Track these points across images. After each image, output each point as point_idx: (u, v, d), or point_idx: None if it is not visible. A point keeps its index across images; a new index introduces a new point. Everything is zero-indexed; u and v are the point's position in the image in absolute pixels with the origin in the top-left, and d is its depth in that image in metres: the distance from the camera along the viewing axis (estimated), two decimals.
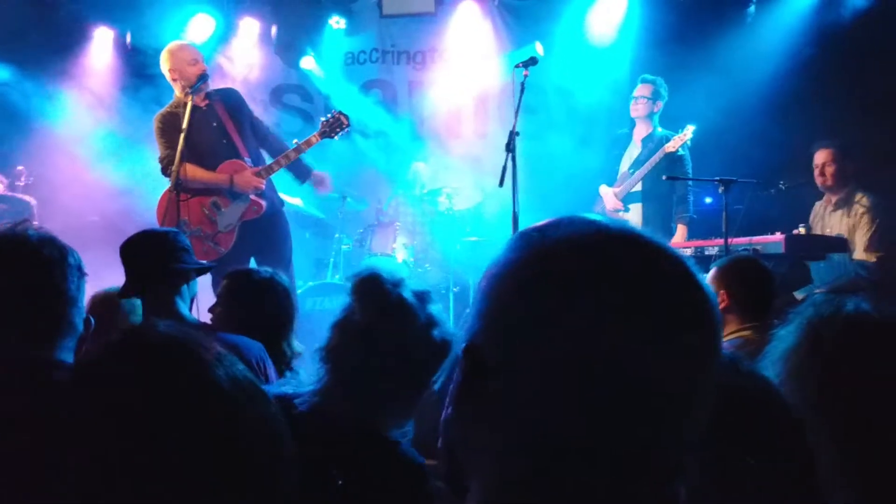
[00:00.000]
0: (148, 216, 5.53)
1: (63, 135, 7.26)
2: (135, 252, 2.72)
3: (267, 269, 2.93)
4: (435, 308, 1.72)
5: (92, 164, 7.13)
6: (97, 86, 7.50)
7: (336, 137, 5.07)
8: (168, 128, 5.02)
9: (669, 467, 0.70)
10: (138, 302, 2.77)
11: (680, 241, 5.54)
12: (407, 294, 1.68)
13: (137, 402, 0.90)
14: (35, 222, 6.90)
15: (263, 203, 5.06)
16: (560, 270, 0.70)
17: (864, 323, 1.24)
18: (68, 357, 1.65)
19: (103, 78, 7.55)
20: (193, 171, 4.86)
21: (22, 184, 7.09)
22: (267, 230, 5.11)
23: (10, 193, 6.96)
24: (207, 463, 0.90)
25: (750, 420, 0.98)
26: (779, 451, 0.96)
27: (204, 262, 3.04)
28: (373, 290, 1.67)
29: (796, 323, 1.28)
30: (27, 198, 7.03)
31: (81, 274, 1.72)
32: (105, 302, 2.95)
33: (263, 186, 5.02)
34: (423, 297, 1.72)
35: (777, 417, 1.02)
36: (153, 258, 2.69)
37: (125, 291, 2.68)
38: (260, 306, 2.77)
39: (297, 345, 2.83)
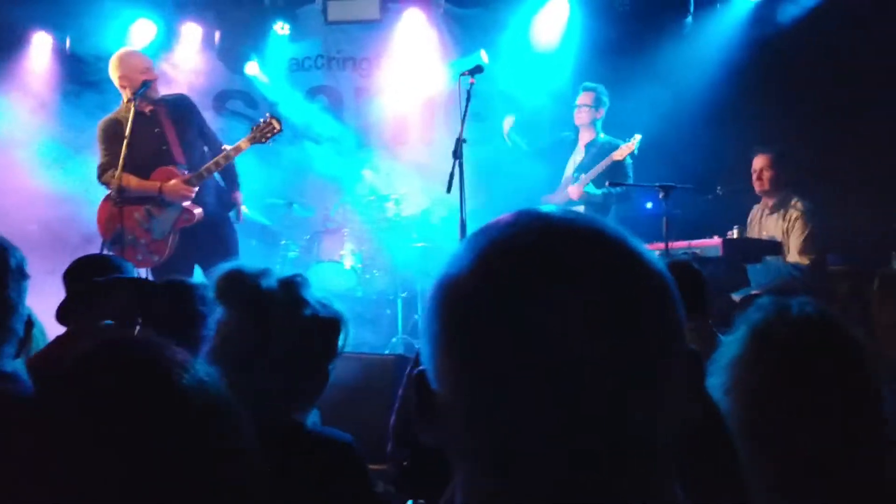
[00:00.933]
0: (90, 225, 5.43)
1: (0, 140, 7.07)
2: None
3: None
4: (308, 292, 1.75)
5: (31, 171, 6.95)
6: (36, 91, 7.33)
7: (268, 142, 5.02)
8: (109, 135, 4.98)
9: (647, 464, 0.68)
10: None
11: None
12: (270, 283, 1.70)
13: (110, 410, 0.91)
14: None
15: (197, 211, 5.00)
16: (497, 276, 0.67)
17: (809, 324, 1.30)
18: (7, 364, 1.61)
19: (42, 83, 7.38)
20: (128, 180, 4.83)
21: None
22: (210, 238, 5.05)
23: None
24: (177, 467, 0.91)
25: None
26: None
27: None
28: (234, 287, 1.69)
29: (743, 329, 1.32)
30: None
31: (23, 276, 1.67)
32: None
33: (192, 194, 4.96)
34: (289, 283, 1.74)
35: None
36: None
37: None
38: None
39: None
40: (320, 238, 6.63)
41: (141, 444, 0.90)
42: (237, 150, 4.95)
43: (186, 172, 4.99)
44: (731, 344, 1.33)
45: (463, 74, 5.05)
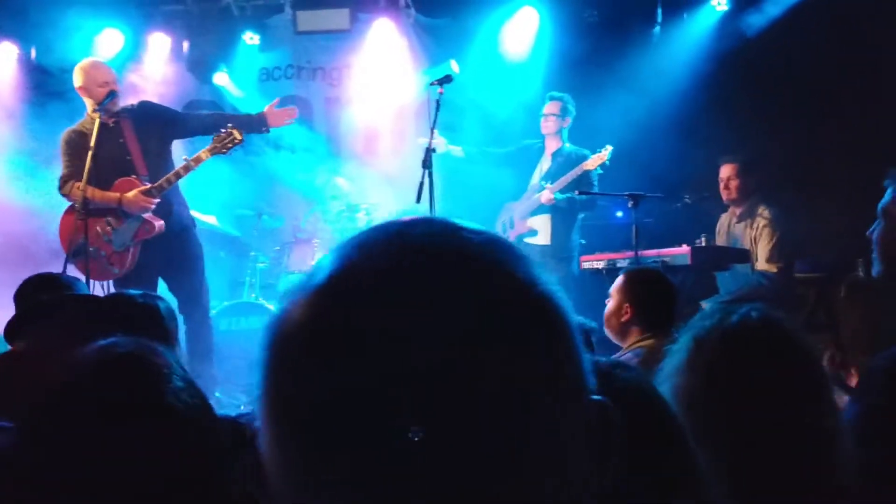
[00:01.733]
0: (56, 238, 5.35)
1: None
2: None
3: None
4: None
5: None
6: (1, 102, 7.22)
7: (227, 153, 4.95)
8: (72, 147, 4.93)
9: None
10: None
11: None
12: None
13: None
14: None
15: (157, 224, 4.94)
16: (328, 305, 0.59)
17: (743, 331, 1.30)
18: None
19: (7, 94, 7.27)
20: (92, 192, 4.78)
21: None
22: (174, 249, 5.00)
23: None
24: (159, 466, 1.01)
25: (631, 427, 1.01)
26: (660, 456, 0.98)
27: None
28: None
29: (685, 336, 1.32)
30: None
31: None
32: None
33: (151, 206, 4.89)
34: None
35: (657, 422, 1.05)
36: None
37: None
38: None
39: None
40: (290, 249, 6.58)
41: (133, 444, 1.00)
42: (197, 160, 4.89)
43: (148, 184, 4.94)
44: (675, 352, 1.33)
45: (432, 84, 5.06)
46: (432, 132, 4.95)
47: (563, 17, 6.94)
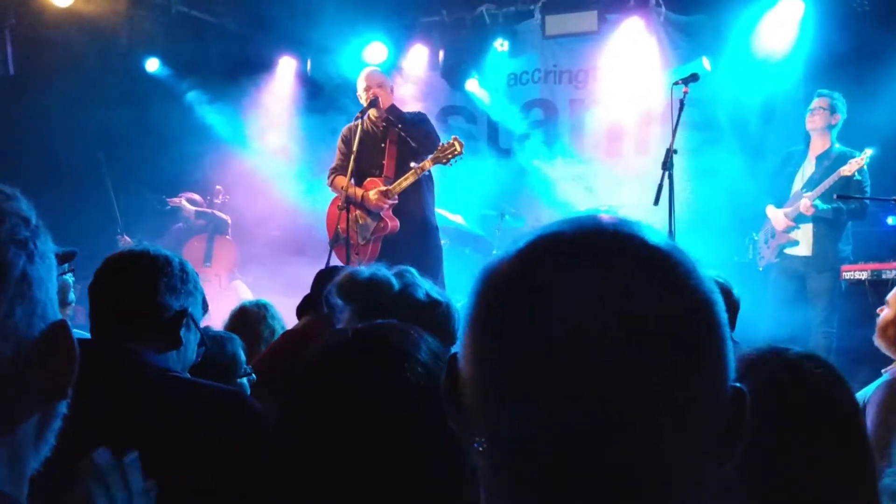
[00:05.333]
0: (320, 232, 5.96)
1: (247, 156, 7.94)
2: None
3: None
4: (420, 280, 1.96)
5: (276, 185, 7.74)
6: (279, 111, 8.13)
7: (449, 164, 5.12)
8: (344, 141, 5.46)
9: (668, 490, 0.64)
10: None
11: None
12: (383, 274, 1.90)
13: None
14: (227, 236, 7.56)
15: (391, 223, 5.30)
16: (530, 264, 0.67)
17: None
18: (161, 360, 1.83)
19: (287, 105, 8.17)
20: (348, 187, 5.21)
21: (219, 201, 7.78)
22: (413, 250, 5.28)
23: (209, 210, 7.66)
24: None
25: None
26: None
27: None
28: (350, 283, 1.94)
29: None
30: (223, 215, 7.70)
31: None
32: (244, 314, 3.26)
33: (385, 206, 5.24)
34: (400, 274, 1.95)
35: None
36: None
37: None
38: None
39: None
40: None
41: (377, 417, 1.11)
42: (421, 168, 5.16)
43: (386, 186, 5.31)
44: None
45: (676, 83, 4.92)
46: (674, 133, 4.81)
47: (829, 7, 6.39)
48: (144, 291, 1.80)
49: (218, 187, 7.76)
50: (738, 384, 0.68)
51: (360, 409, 1.13)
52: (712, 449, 0.65)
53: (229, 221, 7.69)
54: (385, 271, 1.88)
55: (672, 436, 0.63)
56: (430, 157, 5.15)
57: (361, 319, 1.77)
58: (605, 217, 0.70)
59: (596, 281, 0.64)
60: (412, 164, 5.22)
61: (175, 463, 1.45)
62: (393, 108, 5.46)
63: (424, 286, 1.92)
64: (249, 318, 3.22)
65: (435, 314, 1.80)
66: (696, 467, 0.65)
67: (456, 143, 5.09)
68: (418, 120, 5.54)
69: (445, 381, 0.73)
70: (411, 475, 1.10)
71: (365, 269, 1.88)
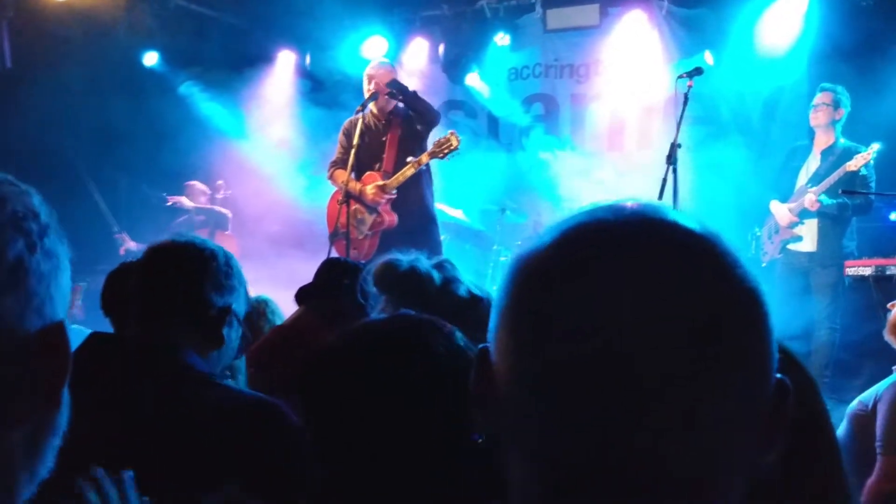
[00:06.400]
0: (320, 226, 5.92)
1: (245, 150, 7.90)
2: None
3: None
4: (460, 274, 1.85)
5: (275, 179, 7.70)
6: (278, 105, 8.09)
7: (445, 158, 5.12)
8: (345, 134, 5.42)
9: (710, 492, 0.62)
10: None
11: None
12: (424, 266, 1.79)
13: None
14: (228, 231, 7.53)
15: (388, 217, 5.25)
16: (571, 252, 0.64)
17: None
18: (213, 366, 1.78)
19: (286, 98, 8.13)
20: (350, 182, 5.20)
21: (221, 196, 7.74)
22: (412, 242, 5.23)
23: (209, 206, 7.61)
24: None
25: None
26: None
27: None
28: (389, 273, 1.80)
29: None
30: (224, 210, 7.66)
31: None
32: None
33: (382, 200, 5.20)
34: (441, 265, 1.84)
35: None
36: None
37: None
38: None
39: None
40: None
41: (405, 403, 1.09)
42: (418, 163, 5.14)
43: (383, 181, 5.27)
44: None
45: (681, 77, 4.88)
46: (678, 127, 4.77)
47: (833, 1, 6.34)
48: (189, 288, 1.73)
49: (219, 182, 7.73)
50: (780, 375, 0.65)
51: (364, 405, 1.10)
52: (755, 443, 0.64)
53: (230, 216, 7.66)
54: (425, 263, 1.81)
55: (721, 430, 0.61)
56: (427, 151, 5.14)
57: (396, 309, 1.74)
58: (644, 204, 0.67)
59: (644, 271, 0.62)
60: (409, 159, 5.19)
61: (207, 472, 1.42)
62: (396, 107, 5.41)
63: (465, 281, 1.87)
64: (249, 314, 3.19)
65: (476, 310, 1.75)
66: (740, 463, 0.64)
67: (452, 138, 5.06)
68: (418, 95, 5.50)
69: (474, 375, 0.70)
70: (415, 473, 1.08)
71: (404, 259, 1.81)
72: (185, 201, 7.49)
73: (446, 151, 5.08)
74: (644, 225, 0.64)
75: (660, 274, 0.61)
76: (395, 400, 1.10)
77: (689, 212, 0.67)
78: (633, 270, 0.62)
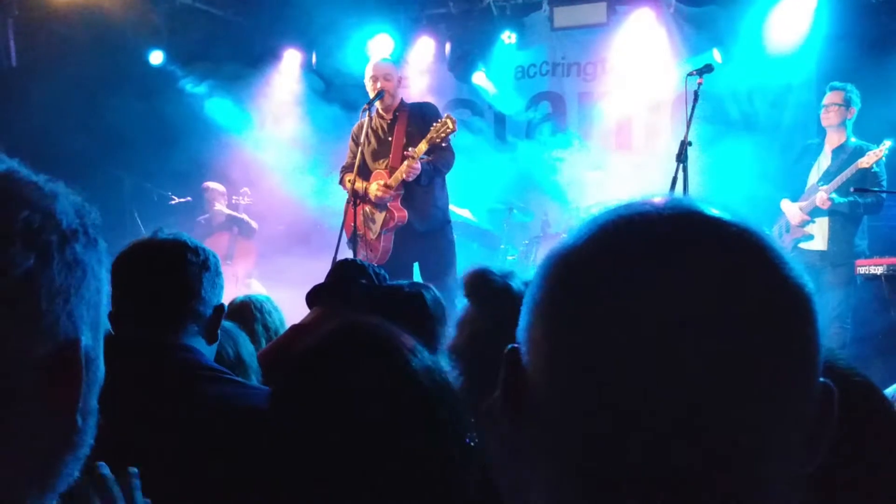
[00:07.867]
0: (328, 227, 5.89)
1: (252, 149, 7.87)
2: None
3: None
4: None
5: (281, 179, 7.67)
6: (284, 104, 8.06)
7: (443, 143, 4.98)
8: (354, 139, 5.35)
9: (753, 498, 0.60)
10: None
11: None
12: (518, 284, 1.70)
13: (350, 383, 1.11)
14: (252, 240, 7.42)
15: (398, 213, 5.14)
16: (613, 249, 0.62)
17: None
18: (190, 340, 1.75)
19: (290, 97, 8.10)
20: (356, 182, 5.14)
21: (244, 203, 7.60)
22: (427, 247, 5.19)
23: (240, 215, 7.47)
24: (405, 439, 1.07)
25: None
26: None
27: None
28: (484, 284, 1.70)
29: None
30: (253, 222, 7.48)
31: (206, 269, 1.79)
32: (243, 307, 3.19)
33: (388, 196, 5.11)
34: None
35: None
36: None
37: None
38: None
39: None
40: (539, 243, 6.66)
41: (374, 416, 1.07)
42: (418, 151, 5.00)
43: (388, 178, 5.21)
44: None
45: (690, 74, 4.84)
46: (688, 125, 4.73)
47: None
48: (188, 284, 1.71)
49: (244, 189, 7.62)
50: (824, 379, 0.63)
51: (352, 403, 1.09)
52: (801, 447, 0.62)
53: (256, 228, 7.53)
54: (520, 284, 1.74)
55: (767, 431, 0.59)
56: (425, 137, 4.97)
57: (483, 321, 1.71)
58: (681, 198, 0.65)
59: (689, 267, 0.60)
60: (406, 151, 5.08)
61: (222, 466, 1.42)
62: (402, 104, 5.34)
63: None
64: (245, 314, 3.16)
65: None
66: (786, 467, 0.61)
67: (448, 121, 4.94)
68: (427, 110, 5.43)
69: (504, 378, 0.67)
70: (398, 474, 1.08)
71: (498, 276, 1.75)
72: (219, 207, 7.35)
73: (443, 135, 4.96)
74: (687, 218, 0.63)
75: (710, 264, 0.60)
76: (367, 404, 1.09)
77: (728, 207, 0.65)
78: (681, 262, 0.60)
